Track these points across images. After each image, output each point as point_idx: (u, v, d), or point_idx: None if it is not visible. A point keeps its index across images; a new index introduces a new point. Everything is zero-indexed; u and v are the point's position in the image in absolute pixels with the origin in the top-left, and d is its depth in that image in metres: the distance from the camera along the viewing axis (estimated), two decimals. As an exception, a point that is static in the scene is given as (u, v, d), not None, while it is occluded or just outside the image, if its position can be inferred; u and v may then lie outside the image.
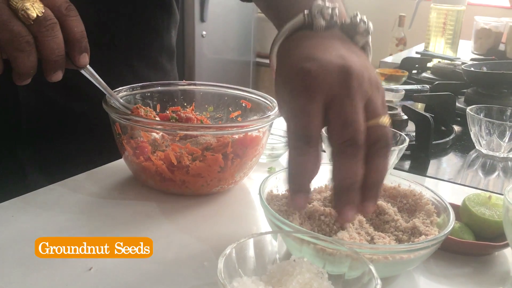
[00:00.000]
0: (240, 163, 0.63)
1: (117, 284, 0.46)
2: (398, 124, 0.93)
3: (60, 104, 0.76)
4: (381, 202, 0.53)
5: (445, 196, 0.53)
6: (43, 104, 0.76)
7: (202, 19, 2.79)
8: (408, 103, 1.09)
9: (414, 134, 0.89)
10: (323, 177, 0.54)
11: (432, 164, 0.85)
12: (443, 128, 1.00)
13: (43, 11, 0.49)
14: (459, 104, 1.12)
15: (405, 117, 0.95)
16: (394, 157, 0.68)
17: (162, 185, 0.63)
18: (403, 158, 0.82)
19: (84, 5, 0.54)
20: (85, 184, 0.65)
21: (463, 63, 1.45)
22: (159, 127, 0.62)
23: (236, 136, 0.62)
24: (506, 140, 0.84)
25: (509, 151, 0.86)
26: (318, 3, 0.49)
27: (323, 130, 0.45)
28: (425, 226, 0.50)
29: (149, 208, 0.60)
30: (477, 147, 0.90)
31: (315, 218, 0.50)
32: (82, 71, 0.57)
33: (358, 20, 0.50)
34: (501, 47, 1.84)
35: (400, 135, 0.71)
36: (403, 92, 1.23)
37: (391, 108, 0.97)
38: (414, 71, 1.53)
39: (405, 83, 1.38)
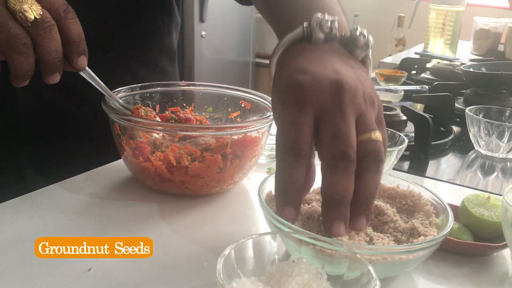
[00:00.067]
0: (239, 163, 0.63)
1: (117, 284, 0.46)
2: (397, 124, 0.93)
3: (59, 105, 0.76)
4: (380, 203, 0.53)
5: (444, 196, 0.53)
6: (41, 105, 0.76)
7: (201, 20, 2.79)
8: (407, 104, 1.09)
9: (413, 134, 0.89)
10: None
11: (431, 164, 0.86)
12: (442, 128, 1.00)
13: (41, 13, 0.49)
14: (458, 105, 1.12)
15: (404, 117, 0.95)
16: (393, 158, 0.68)
17: (161, 185, 0.63)
18: (402, 158, 0.82)
19: (83, 7, 0.54)
20: (85, 185, 0.65)
21: (462, 64, 1.45)
22: (158, 127, 0.62)
23: (235, 137, 0.62)
24: (505, 141, 0.84)
25: (508, 152, 0.86)
26: (317, 16, 0.49)
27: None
28: (424, 227, 0.50)
29: (149, 208, 0.60)
30: (476, 148, 0.90)
31: (314, 218, 0.50)
32: (81, 73, 0.57)
33: (358, 33, 0.49)
34: (500, 47, 1.84)
35: (399, 135, 0.71)
36: (402, 93, 1.23)
37: (390, 109, 0.97)
38: (413, 72, 1.53)
39: (404, 83, 1.38)
